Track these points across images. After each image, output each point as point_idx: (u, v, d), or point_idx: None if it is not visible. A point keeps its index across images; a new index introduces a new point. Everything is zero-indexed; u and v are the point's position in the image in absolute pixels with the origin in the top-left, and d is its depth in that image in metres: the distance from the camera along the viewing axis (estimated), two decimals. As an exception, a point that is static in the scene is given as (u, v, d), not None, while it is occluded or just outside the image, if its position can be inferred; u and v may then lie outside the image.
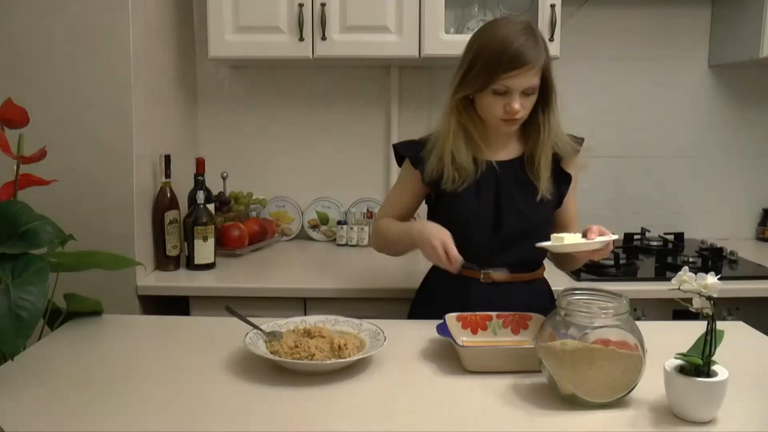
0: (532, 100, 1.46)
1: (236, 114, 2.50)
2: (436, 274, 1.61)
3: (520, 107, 1.43)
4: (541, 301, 1.53)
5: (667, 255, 2.19)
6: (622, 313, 1.07)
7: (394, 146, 1.64)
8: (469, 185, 1.50)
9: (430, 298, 1.62)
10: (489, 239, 1.50)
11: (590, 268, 2.04)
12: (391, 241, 1.59)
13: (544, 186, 1.50)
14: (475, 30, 1.52)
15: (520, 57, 1.38)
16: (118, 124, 1.85)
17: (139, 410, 1.06)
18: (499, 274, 1.47)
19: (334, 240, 2.48)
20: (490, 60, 1.40)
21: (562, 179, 1.56)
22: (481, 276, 1.50)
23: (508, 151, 1.56)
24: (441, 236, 1.40)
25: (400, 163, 1.65)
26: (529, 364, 1.17)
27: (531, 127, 1.53)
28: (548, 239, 1.43)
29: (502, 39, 1.40)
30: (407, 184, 1.62)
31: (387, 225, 1.60)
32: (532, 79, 1.42)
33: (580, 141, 1.59)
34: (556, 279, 1.94)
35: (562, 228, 1.57)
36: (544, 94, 1.49)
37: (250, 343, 1.23)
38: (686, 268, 1.04)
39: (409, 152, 1.59)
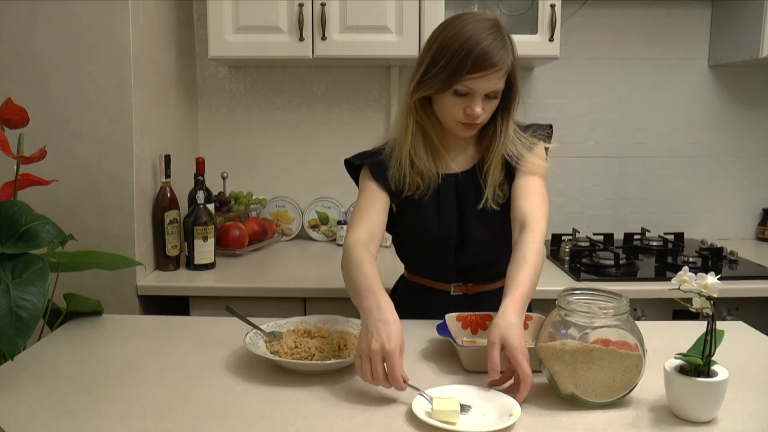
0: (495, 104, 1.37)
1: (236, 114, 2.50)
2: (405, 283, 1.58)
3: (482, 111, 1.34)
4: None
5: (667, 255, 2.19)
6: (622, 313, 1.06)
7: (347, 161, 1.49)
8: (430, 201, 1.43)
9: (398, 305, 1.55)
10: (453, 258, 1.45)
11: (590, 268, 2.05)
12: (350, 286, 1.26)
13: (491, 194, 1.41)
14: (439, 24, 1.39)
15: (486, 58, 1.27)
16: (118, 124, 1.85)
17: (138, 410, 1.06)
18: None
19: (334, 240, 2.48)
20: (453, 59, 1.29)
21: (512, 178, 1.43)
22: (452, 289, 1.49)
23: (466, 157, 1.47)
24: (388, 346, 1.06)
25: (355, 178, 1.51)
26: (531, 364, 1.17)
27: (487, 131, 1.44)
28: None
29: (468, 37, 1.28)
30: (370, 199, 1.43)
31: (358, 264, 1.25)
32: (497, 83, 1.32)
33: (546, 129, 1.48)
34: (556, 279, 1.94)
35: (519, 222, 1.33)
36: (507, 98, 1.38)
37: (250, 343, 1.23)
38: (686, 268, 1.04)
39: (367, 161, 1.46)
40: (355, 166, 1.49)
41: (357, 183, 1.51)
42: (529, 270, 1.22)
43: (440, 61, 1.31)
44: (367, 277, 1.21)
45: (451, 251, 1.45)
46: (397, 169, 1.41)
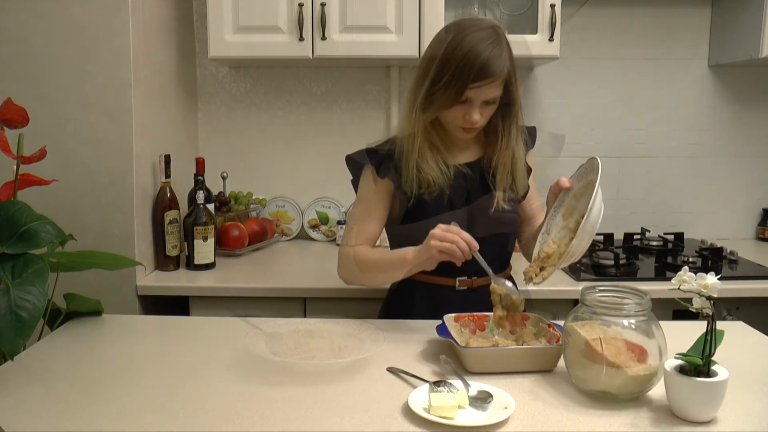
0: (493, 108, 1.42)
1: (236, 114, 2.50)
2: (408, 283, 1.55)
3: (480, 117, 1.40)
4: None
5: (667, 255, 2.19)
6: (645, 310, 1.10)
7: (349, 157, 1.54)
8: (441, 192, 1.46)
9: (403, 302, 1.57)
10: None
11: (590, 268, 2.04)
12: (378, 268, 1.46)
13: (501, 195, 1.47)
14: (439, 32, 1.43)
15: (483, 70, 1.33)
16: (118, 124, 1.85)
17: (139, 410, 1.06)
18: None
19: (334, 240, 2.48)
20: (455, 76, 1.34)
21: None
22: (457, 283, 1.49)
23: (471, 151, 1.53)
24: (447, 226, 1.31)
25: (354, 173, 1.56)
26: (531, 364, 1.18)
27: (490, 132, 1.50)
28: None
29: (468, 50, 1.33)
30: (379, 199, 1.51)
31: (368, 252, 1.48)
32: (494, 91, 1.38)
33: (532, 131, 1.57)
34: (556, 279, 1.94)
35: (528, 220, 1.59)
36: (506, 102, 1.44)
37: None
38: (686, 268, 1.04)
39: (370, 161, 1.50)
40: (356, 164, 1.54)
41: (354, 178, 1.56)
42: None
43: (443, 78, 1.36)
44: (385, 254, 1.45)
45: None
46: (407, 176, 1.46)
